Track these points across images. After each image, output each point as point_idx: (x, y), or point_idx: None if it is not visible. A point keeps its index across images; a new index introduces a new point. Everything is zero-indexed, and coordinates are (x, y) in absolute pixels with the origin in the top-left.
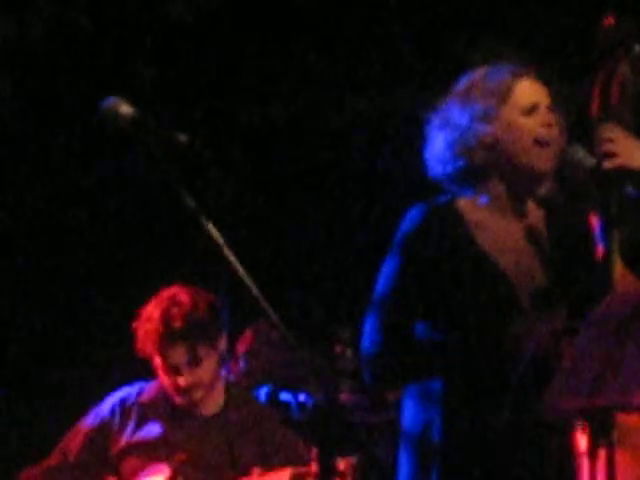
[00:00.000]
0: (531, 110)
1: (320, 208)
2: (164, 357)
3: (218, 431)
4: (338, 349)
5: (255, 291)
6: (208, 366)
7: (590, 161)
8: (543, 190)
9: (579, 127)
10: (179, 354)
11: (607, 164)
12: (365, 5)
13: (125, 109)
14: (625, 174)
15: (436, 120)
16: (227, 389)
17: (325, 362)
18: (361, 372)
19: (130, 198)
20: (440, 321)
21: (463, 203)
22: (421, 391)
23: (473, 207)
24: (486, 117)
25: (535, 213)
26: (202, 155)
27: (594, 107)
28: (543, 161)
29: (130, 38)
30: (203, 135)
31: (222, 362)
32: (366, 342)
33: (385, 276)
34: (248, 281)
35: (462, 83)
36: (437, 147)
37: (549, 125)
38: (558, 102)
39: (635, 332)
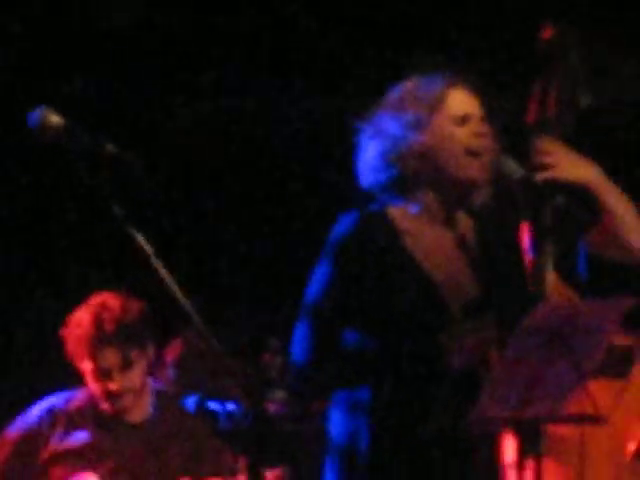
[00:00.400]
0: (463, 120)
1: (249, 215)
2: (95, 361)
3: (146, 439)
4: (267, 358)
5: (183, 300)
6: (139, 371)
7: (520, 172)
8: (478, 200)
9: (511, 138)
10: (111, 357)
11: (539, 176)
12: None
13: (54, 119)
14: (557, 186)
15: (368, 129)
16: (156, 397)
17: (253, 371)
18: (290, 381)
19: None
20: (370, 329)
21: (394, 211)
22: (348, 400)
23: (404, 215)
24: (417, 126)
25: (465, 222)
26: (131, 164)
27: (530, 118)
28: (474, 171)
29: (59, 47)
30: (132, 144)
31: (151, 370)
32: (296, 350)
33: (316, 283)
34: (176, 290)
35: (394, 93)
36: (369, 156)
37: (481, 135)
38: (491, 113)
39: (565, 343)
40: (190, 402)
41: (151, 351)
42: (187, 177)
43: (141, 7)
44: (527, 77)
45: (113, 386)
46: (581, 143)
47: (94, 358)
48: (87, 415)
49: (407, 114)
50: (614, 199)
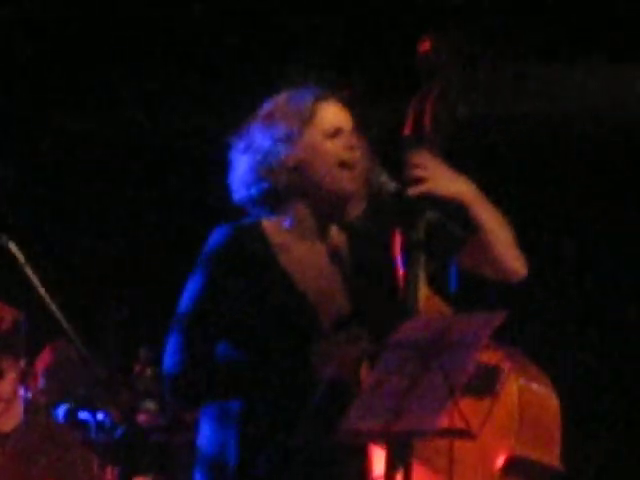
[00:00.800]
0: (334, 133)
1: (125, 224)
2: None
3: (14, 448)
4: (137, 368)
5: (54, 308)
6: (10, 380)
7: (393, 186)
8: (351, 214)
9: (386, 151)
10: None
11: (412, 190)
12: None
13: None
14: (430, 201)
15: (240, 144)
16: (25, 406)
17: (124, 381)
18: (161, 392)
19: None
20: (241, 342)
21: (267, 225)
22: (218, 412)
23: (277, 229)
24: (288, 139)
25: (337, 236)
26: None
27: (407, 130)
28: (347, 183)
29: None
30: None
31: (22, 379)
32: (168, 361)
33: (188, 295)
34: (48, 298)
35: (266, 107)
36: (241, 170)
37: (352, 148)
38: (364, 126)
39: (436, 357)
40: (60, 411)
41: (22, 360)
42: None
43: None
44: (404, 89)
45: None
46: (458, 157)
47: None
48: None
49: (278, 128)
50: (488, 215)
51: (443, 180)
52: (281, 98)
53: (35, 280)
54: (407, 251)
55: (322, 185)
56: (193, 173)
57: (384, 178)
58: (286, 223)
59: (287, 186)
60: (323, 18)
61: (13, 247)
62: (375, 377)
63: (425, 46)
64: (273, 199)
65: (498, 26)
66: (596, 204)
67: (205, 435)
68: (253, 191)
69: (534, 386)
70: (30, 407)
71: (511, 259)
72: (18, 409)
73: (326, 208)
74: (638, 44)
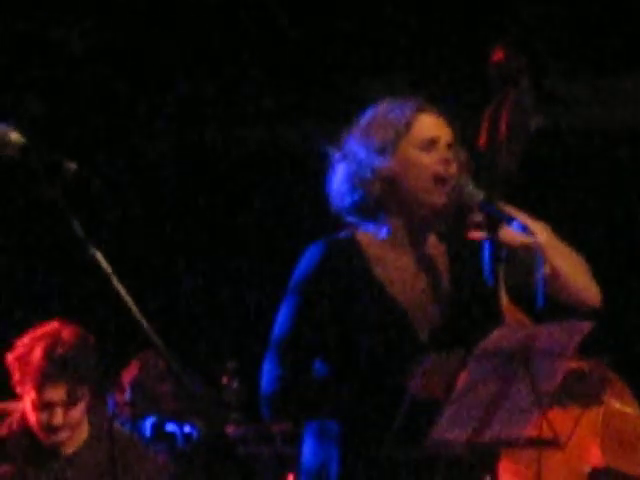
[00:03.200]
0: (430, 145)
1: (211, 240)
2: (40, 394)
3: (79, 470)
4: (225, 380)
5: (142, 321)
6: (82, 407)
7: (478, 195)
8: (444, 225)
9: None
10: (57, 393)
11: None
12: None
13: (14, 136)
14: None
15: (337, 153)
16: (90, 423)
17: (212, 393)
18: (256, 406)
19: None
20: (339, 357)
21: (362, 237)
22: (319, 428)
23: (372, 241)
24: (383, 150)
25: (436, 247)
26: (91, 183)
27: (482, 141)
28: (439, 197)
29: (16, 67)
30: (93, 164)
31: (97, 395)
32: (265, 380)
33: (284, 314)
34: (135, 311)
35: (364, 117)
36: (337, 180)
37: (447, 162)
38: (459, 137)
39: (523, 366)
40: (147, 424)
41: (95, 384)
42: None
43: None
44: (478, 101)
45: (55, 420)
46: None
47: (40, 391)
48: (19, 444)
49: (374, 138)
50: (563, 259)
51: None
52: (379, 108)
53: (123, 292)
54: (490, 259)
55: (415, 197)
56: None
57: (471, 188)
58: (381, 235)
59: (380, 197)
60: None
61: (100, 257)
62: (463, 386)
63: (499, 55)
64: (367, 209)
65: (573, 36)
66: None
67: (308, 451)
68: (348, 201)
69: (618, 397)
70: (95, 423)
71: (586, 292)
72: (84, 429)
73: (419, 219)
74: None
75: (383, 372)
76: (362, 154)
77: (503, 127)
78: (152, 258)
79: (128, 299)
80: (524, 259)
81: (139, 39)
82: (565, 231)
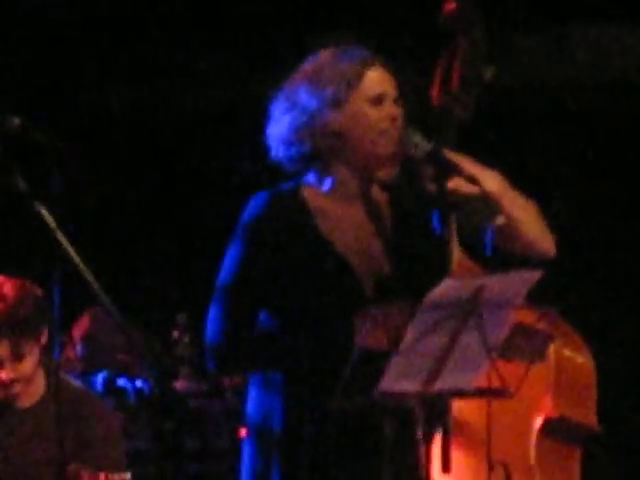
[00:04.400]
0: (378, 101)
1: (160, 193)
2: None
3: (35, 424)
4: (175, 335)
5: (89, 276)
6: (31, 361)
7: (427, 146)
8: (385, 173)
9: (416, 112)
10: (2, 349)
11: (450, 184)
12: None
13: None
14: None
15: (283, 101)
16: (47, 377)
17: (161, 348)
18: (202, 359)
19: None
20: (282, 310)
21: (306, 190)
22: (263, 379)
23: (316, 194)
24: (335, 104)
25: (379, 197)
26: (37, 139)
27: (434, 93)
28: (385, 148)
29: None
30: (38, 119)
31: (45, 352)
32: (210, 331)
33: (228, 264)
34: (82, 266)
35: (311, 65)
36: (282, 129)
37: (394, 118)
38: (404, 91)
39: (471, 317)
40: (98, 379)
41: (44, 337)
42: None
43: None
44: (430, 52)
45: (3, 376)
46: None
47: None
48: None
49: (325, 90)
50: (517, 207)
51: (477, 178)
52: (327, 57)
53: (68, 247)
54: (440, 211)
55: (361, 149)
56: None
57: (419, 139)
58: (325, 186)
59: (328, 149)
60: None
61: (45, 212)
62: (411, 338)
63: (450, 5)
64: (313, 160)
65: None
66: None
67: (252, 403)
68: (293, 151)
69: (570, 347)
70: (52, 377)
71: (541, 242)
72: (39, 383)
73: (365, 170)
74: None
75: (328, 325)
76: (313, 105)
77: (455, 78)
78: (98, 213)
79: (74, 254)
80: (475, 209)
81: None
82: (519, 183)
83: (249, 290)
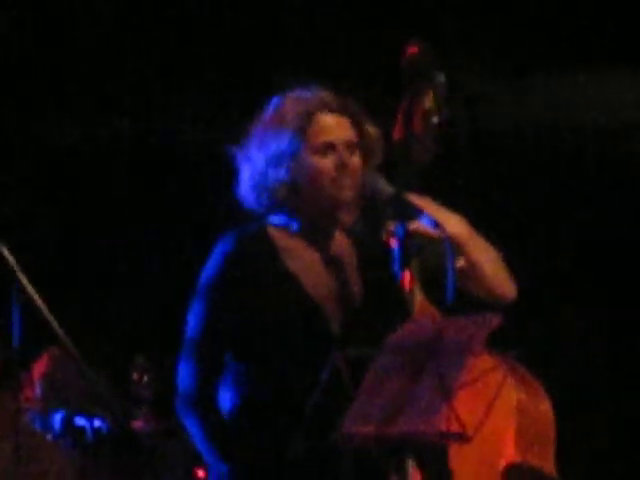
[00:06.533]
0: (327, 149)
1: (129, 229)
2: None
3: None
4: (135, 376)
5: (49, 315)
6: None
7: (389, 190)
8: (347, 217)
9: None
10: None
11: (412, 227)
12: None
13: None
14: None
15: (240, 155)
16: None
17: (118, 388)
18: (161, 399)
19: None
20: (250, 353)
21: (273, 230)
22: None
23: (283, 234)
24: (279, 161)
25: (342, 241)
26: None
27: (397, 134)
28: (339, 194)
29: None
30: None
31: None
32: (182, 383)
33: (196, 316)
34: (41, 305)
35: (266, 114)
36: (243, 179)
37: (344, 166)
38: (362, 132)
39: (430, 360)
40: (57, 418)
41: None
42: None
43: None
44: (392, 95)
45: None
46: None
47: None
48: None
49: (270, 147)
50: (479, 251)
51: (440, 220)
52: (279, 104)
53: (28, 286)
54: (402, 255)
55: (317, 198)
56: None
57: (381, 183)
58: (292, 228)
59: (285, 198)
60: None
61: (5, 251)
62: (371, 380)
63: (413, 49)
64: (274, 208)
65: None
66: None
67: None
68: (254, 202)
69: (531, 393)
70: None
71: (501, 286)
72: None
73: (325, 216)
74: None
75: (296, 364)
76: (260, 163)
77: (417, 120)
78: (57, 247)
79: (34, 293)
80: (436, 253)
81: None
82: (480, 226)
83: (218, 342)
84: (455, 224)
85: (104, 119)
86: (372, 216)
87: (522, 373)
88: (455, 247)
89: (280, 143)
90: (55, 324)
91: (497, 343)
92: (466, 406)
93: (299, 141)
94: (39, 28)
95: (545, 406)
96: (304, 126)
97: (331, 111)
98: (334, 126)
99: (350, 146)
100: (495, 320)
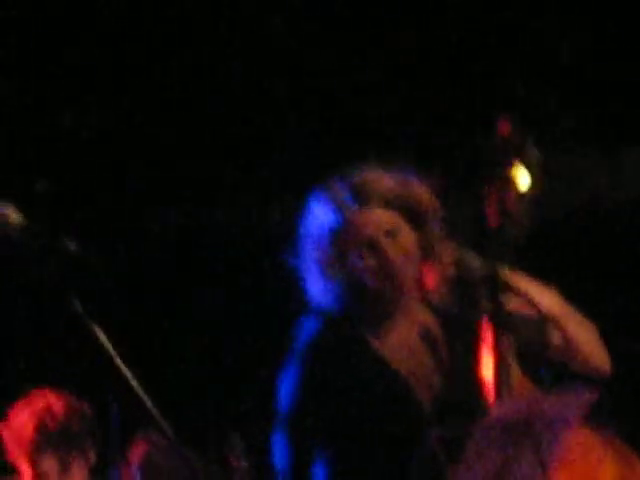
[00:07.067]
0: (368, 248)
1: (209, 308)
2: (34, 466)
3: None
4: (234, 462)
5: (146, 400)
6: (78, 476)
7: (482, 269)
8: (439, 296)
9: (473, 238)
10: (49, 463)
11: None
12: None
13: (14, 216)
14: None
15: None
16: None
17: (220, 474)
18: None
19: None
20: (342, 448)
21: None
22: None
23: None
24: (333, 273)
25: (429, 319)
26: (92, 262)
27: (490, 213)
28: (383, 284)
29: (20, 149)
30: (92, 242)
31: (95, 470)
32: (278, 458)
33: (287, 389)
34: (139, 390)
35: (305, 233)
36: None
37: (369, 265)
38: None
39: (528, 437)
40: None
41: (92, 454)
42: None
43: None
44: (483, 175)
45: None
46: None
47: (33, 463)
48: None
49: (318, 259)
50: (574, 325)
51: (534, 299)
52: (313, 220)
53: (124, 368)
54: (496, 332)
55: (373, 291)
56: None
57: (475, 262)
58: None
59: (353, 298)
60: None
61: (102, 336)
62: (468, 458)
63: (505, 127)
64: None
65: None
66: None
67: None
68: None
69: (629, 467)
70: None
71: (597, 361)
72: None
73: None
74: None
75: (390, 449)
76: (316, 282)
77: (511, 197)
78: (146, 331)
79: (131, 378)
80: (533, 329)
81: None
82: (575, 297)
83: (310, 415)
84: (549, 299)
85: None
86: (465, 294)
87: (622, 447)
88: (549, 323)
89: (329, 258)
90: (152, 406)
91: (594, 415)
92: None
93: (342, 248)
94: None
95: None
96: (340, 235)
97: (363, 210)
98: (370, 221)
99: (390, 233)
100: (592, 395)
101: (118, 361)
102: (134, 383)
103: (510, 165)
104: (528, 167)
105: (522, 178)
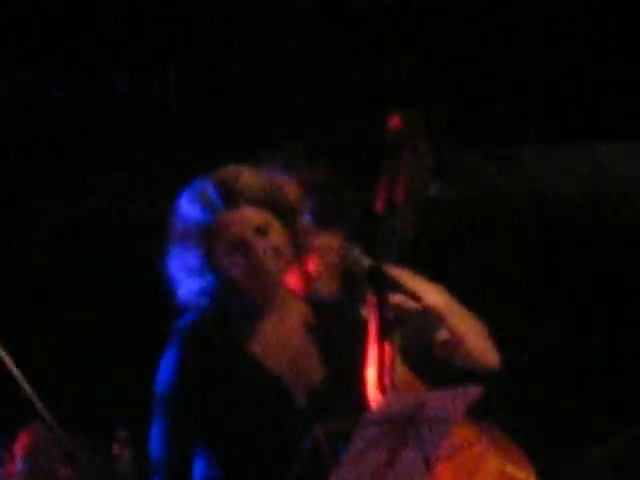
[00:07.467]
0: (239, 246)
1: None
2: None
3: None
4: (116, 450)
5: (29, 390)
6: None
7: (365, 261)
8: (326, 290)
9: (361, 226)
10: None
11: (392, 300)
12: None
13: None
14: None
15: (164, 273)
16: None
17: (101, 463)
18: (143, 474)
19: None
20: (220, 437)
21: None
22: None
23: (241, 313)
24: (201, 271)
25: (307, 314)
26: None
27: (379, 205)
28: (266, 283)
29: None
30: None
31: None
32: (155, 448)
33: (164, 373)
34: (22, 381)
35: (172, 229)
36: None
37: (257, 257)
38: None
39: (411, 433)
40: None
41: None
42: None
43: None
44: (374, 166)
45: None
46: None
47: None
48: None
49: (186, 260)
50: (461, 322)
51: (420, 291)
52: (181, 215)
53: (7, 359)
54: (380, 327)
55: (252, 289)
56: None
57: (358, 254)
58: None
59: (223, 296)
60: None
61: None
62: (350, 453)
63: (395, 121)
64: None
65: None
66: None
67: None
68: (198, 303)
69: (511, 462)
70: None
71: (484, 356)
72: None
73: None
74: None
75: (267, 441)
76: (185, 281)
77: (400, 191)
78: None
79: (14, 369)
80: (417, 324)
81: None
82: (463, 295)
83: (188, 405)
84: (435, 295)
85: None
86: (351, 288)
87: (503, 443)
88: (435, 318)
89: (195, 255)
90: (35, 398)
91: (479, 410)
92: (447, 475)
93: (212, 244)
94: None
95: (527, 475)
96: (214, 228)
97: (234, 208)
98: (241, 220)
99: (260, 230)
100: (475, 391)
101: (2, 353)
102: (18, 374)
103: (400, 159)
104: (417, 160)
105: (410, 173)
